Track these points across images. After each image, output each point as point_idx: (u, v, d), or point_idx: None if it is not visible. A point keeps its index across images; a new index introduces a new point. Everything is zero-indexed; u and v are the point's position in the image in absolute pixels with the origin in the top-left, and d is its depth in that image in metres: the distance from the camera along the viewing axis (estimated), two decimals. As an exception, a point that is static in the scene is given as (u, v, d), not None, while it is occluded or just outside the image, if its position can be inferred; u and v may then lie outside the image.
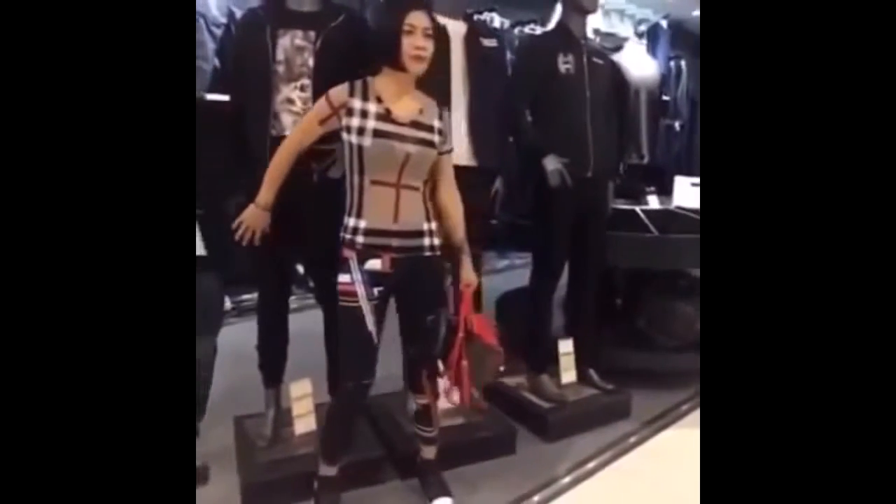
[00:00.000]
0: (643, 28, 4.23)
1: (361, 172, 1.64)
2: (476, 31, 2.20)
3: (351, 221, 1.66)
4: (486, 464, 2.14)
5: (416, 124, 1.66)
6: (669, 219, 2.82)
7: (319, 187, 1.86)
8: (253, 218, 1.75)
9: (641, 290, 3.09)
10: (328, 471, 1.78)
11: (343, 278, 1.66)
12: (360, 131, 1.61)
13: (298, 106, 1.85)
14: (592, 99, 2.37)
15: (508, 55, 2.80)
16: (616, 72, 2.83)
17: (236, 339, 2.20)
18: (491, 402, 2.41)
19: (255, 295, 2.24)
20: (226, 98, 2.11)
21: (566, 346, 2.55)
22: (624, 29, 5.57)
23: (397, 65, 1.63)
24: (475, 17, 2.69)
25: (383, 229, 1.65)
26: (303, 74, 1.85)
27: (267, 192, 1.74)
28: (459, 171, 2.04)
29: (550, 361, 2.53)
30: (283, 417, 2.07)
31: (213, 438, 2.09)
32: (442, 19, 2.11)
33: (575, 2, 2.38)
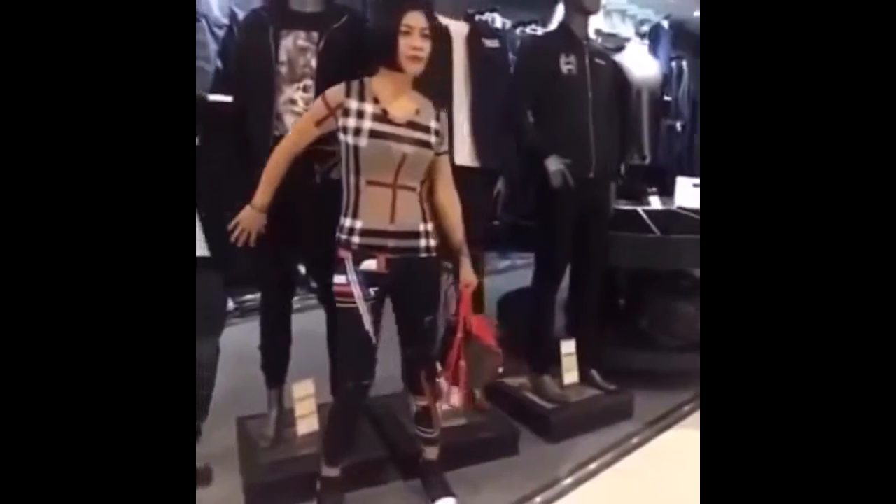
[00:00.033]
0: (645, 28, 4.22)
1: (358, 173, 1.64)
2: (478, 32, 2.20)
3: (347, 222, 1.66)
4: (489, 464, 2.14)
5: (412, 125, 1.66)
6: (671, 219, 2.82)
7: (322, 188, 1.86)
8: (249, 219, 1.75)
9: (643, 290, 3.08)
10: (330, 472, 1.78)
11: (339, 279, 1.66)
12: (357, 132, 1.61)
13: (301, 107, 1.85)
14: (594, 100, 2.37)
15: (510, 56, 2.79)
16: (618, 72, 2.83)
17: (239, 339, 2.20)
18: (493, 403, 2.42)
19: (257, 295, 2.25)
20: (228, 99, 2.12)
21: (568, 347, 2.55)
22: (625, 29, 5.57)
23: (394, 65, 1.63)
24: (476, 17, 2.69)
25: (379, 230, 1.65)
26: (305, 75, 1.85)
27: (263, 194, 1.74)
28: (462, 171, 2.05)
29: (552, 362, 2.53)
30: (286, 418, 2.08)
31: (216, 439, 2.09)
32: (444, 20, 2.11)
33: (577, 2, 2.38)
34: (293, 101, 1.86)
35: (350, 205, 1.66)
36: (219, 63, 3.52)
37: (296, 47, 1.85)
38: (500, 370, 1.95)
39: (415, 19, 1.60)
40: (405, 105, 1.68)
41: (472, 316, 1.86)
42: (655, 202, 3.06)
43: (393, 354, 1.83)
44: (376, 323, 1.68)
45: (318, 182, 1.88)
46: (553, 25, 2.61)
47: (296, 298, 2.14)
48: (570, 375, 2.55)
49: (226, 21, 3.56)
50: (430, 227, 1.73)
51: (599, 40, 3.43)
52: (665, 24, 5.41)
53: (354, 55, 1.84)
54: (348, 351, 1.71)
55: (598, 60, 2.43)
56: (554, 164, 2.26)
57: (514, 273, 4.74)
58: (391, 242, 1.66)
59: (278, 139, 1.80)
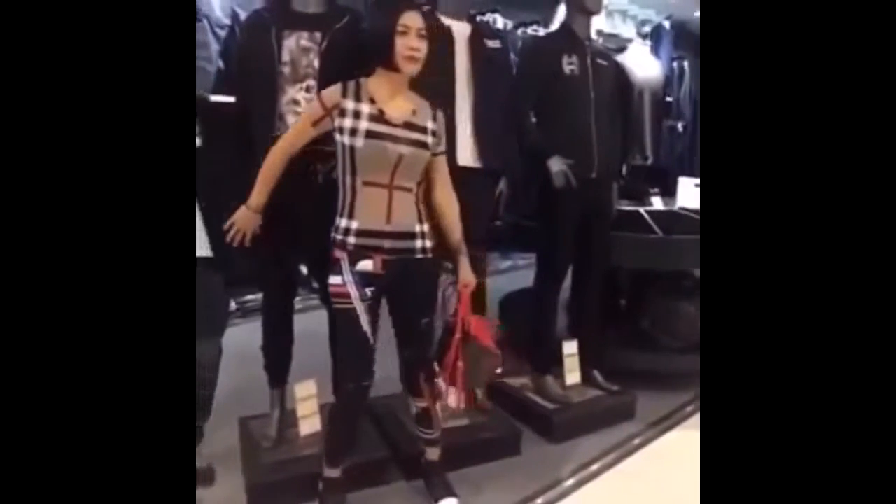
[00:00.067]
0: (647, 29, 4.22)
1: (354, 173, 1.64)
2: (480, 33, 2.20)
3: (343, 222, 1.66)
4: (491, 465, 2.14)
5: (409, 125, 1.66)
6: (673, 220, 2.82)
7: (323, 188, 1.86)
8: (244, 220, 1.75)
9: (645, 290, 3.08)
10: (332, 472, 1.78)
11: (335, 280, 1.65)
12: (353, 132, 1.61)
13: (304, 107, 1.85)
14: (597, 100, 2.37)
15: (512, 56, 2.79)
16: (620, 73, 2.83)
17: (241, 340, 2.20)
18: (495, 403, 2.42)
19: (259, 296, 2.25)
20: (230, 99, 2.11)
21: (570, 348, 2.55)
22: (626, 30, 5.56)
23: (391, 65, 1.62)
24: (478, 18, 2.69)
25: (376, 230, 1.64)
26: (308, 76, 1.85)
27: (259, 194, 1.74)
28: (464, 172, 2.05)
29: (555, 362, 2.53)
30: (288, 418, 2.07)
31: (219, 439, 2.09)
32: (446, 20, 2.12)
33: (579, 3, 2.38)
34: (296, 102, 1.86)
35: (346, 205, 1.66)
36: (220, 63, 3.52)
37: (298, 48, 1.85)
38: (498, 371, 1.95)
39: (411, 19, 1.60)
40: (402, 105, 1.67)
41: (471, 316, 1.86)
42: (657, 203, 3.06)
43: (392, 355, 1.83)
44: (373, 323, 1.68)
45: (321, 182, 1.87)
46: (555, 26, 2.60)
47: (298, 299, 2.13)
48: (573, 376, 2.55)
49: (227, 21, 3.56)
50: (426, 227, 1.73)
51: (601, 41, 3.42)
52: (666, 24, 5.41)
53: (357, 56, 1.84)
54: (347, 352, 1.71)
55: (600, 61, 2.43)
56: (556, 165, 2.26)
57: (515, 273, 4.74)
58: (387, 243, 1.65)
59: (280, 139, 1.81)
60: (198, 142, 1.81)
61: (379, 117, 1.63)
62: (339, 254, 1.66)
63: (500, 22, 4.65)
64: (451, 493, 1.88)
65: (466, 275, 1.83)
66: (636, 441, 2.39)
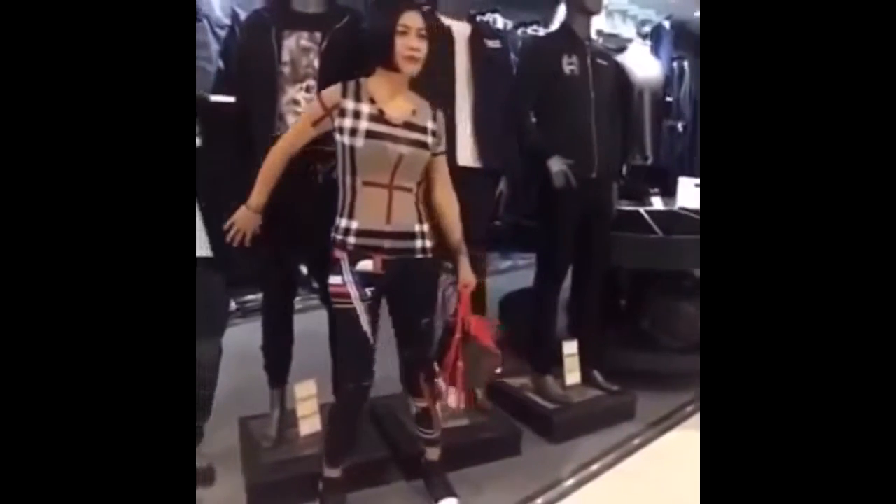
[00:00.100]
0: (647, 29, 4.23)
1: (354, 173, 1.64)
2: (480, 33, 2.20)
3: (343, 222, 1.66)
4: (491, 465, 2.14)
5: (409, 125, 1.66)
6: (673, 220, 2.82)
7: (323, 188, 1.86)
8: (244, 220, 1.75)
9: (645, 291, 3.09)
10: (332, 472, 1.78)
11: (335, 280, 1.65)
12: (353, 132, 1.61)
13: (304, 107, 1.85)
14: (597, 100, 2.37)
15: (512, 56, 2.79)
16: (620, 73, 2.83)
17: (241, 340, 2.20)
18: (495, 404, 2.42)
19: (258, 296, 2.24)
20: (230, 99, 2.12)
21: (570, 348, 2.55)
22: (626, 30, 5.56)
23: (391, 65, 1.62)
24: (478, 18, 2.69)
25: (376, 230, 1.64)
26: (308, 76, 1.85)
27: (259, 195, 1.74)
28: (464, 172, 2.05)
29: (555, 362, 2.53)
30: (288, 418, 2.08)
31: (219, 439, 2.09)
32: (446, 20, 2.12)
33: (579, 3, 2.38)
34: (296, 102, 1.86)
35: (346, 205, 1.66)
36: (220, 63, 3.53)
37: (298, 48, 1.86)
38: (498, 371, 1.95)
39: (411, 19, 1.60)
40: (402, 105, 1.67)
41: (471, 316, 1.86)
42: (657, 203, 3.06)
43: (392, 355, 1.83)
44: (373, 323, 1.68)
45: (321, 182, 1.88)
46: (555, 26, 2.60)
47: (298, 299, 2.14)
48: (573, 376, 2.55)
49: (227, 21, 3.56)
50: (425, 228, 1.73)
51: (601, 41, 3.42)
52: (666, 24, 5.41)
53: (357, 56, 1.84)
54: (347, 351, 1.71)
55: (600, 61, 2.43)
56: (556, 165, 2.26)
57: (515, 273, 4.75)
58: (387, 243, 1.65)
59: (280, 140, 1.80)
60: (198, 142, 1.80)
61: (379, 117, 1.63)
62: (338, 254, 1.66)
63: (499, 22, 4.65)
64: (452, 494, 1.88)
65: (466, 275, 1.83)
66: (636, 441, 2.39)
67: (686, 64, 5.97)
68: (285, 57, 1.85)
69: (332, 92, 1.65)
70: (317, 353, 2.07)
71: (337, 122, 1.63)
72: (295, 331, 2.09)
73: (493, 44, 2.22)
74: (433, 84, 1.81)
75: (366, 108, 1.63)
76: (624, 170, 3.10)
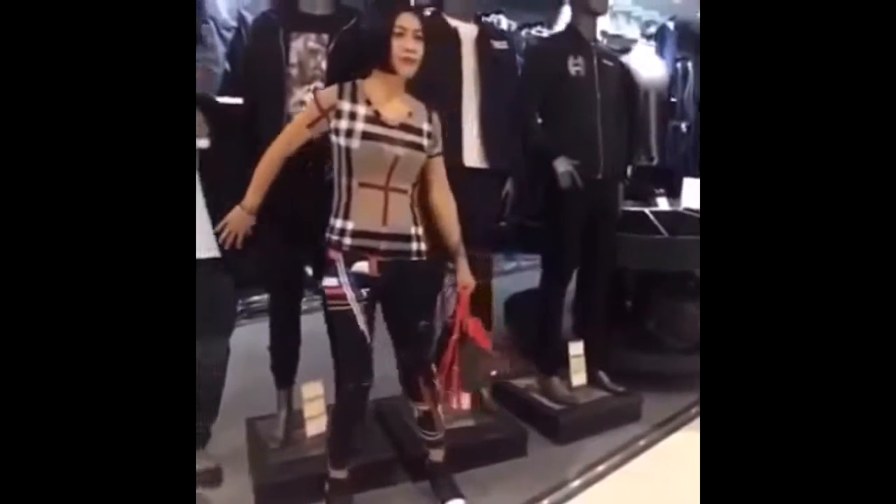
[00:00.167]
0: (652, 30, 4.23)
1: (350, 174, 1.64)
2: (487, 34, 2.21)
3: (338, 223, 1.65)
4: (497, 466, 2.14)
5: (405, 127, 1.66)
6: (678, 220, 2.82)
7: (328, 188, 1.87)
8: (237, 220, 1.74)
9: (651, 291, 3.08)
10: (338, 473, 1.78)
11: (330, 282, 1.65)
12: (349, 133, 1.61)
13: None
14: (603, 101, 2.37)
15: (517, 57, 2.79)
16: (626, 74, 2.83)
17: (248, 340, 2.20)
18: (501, 404, 2.42)
19: (264, 297, 2.24)
20: (236, 101, 2.12)
21: (576, 349, 2.55)
22: (630, 31, 5.56)
23: (387, 67, 1.63)
24: (482, 19, 2.69)
25: (372, 231, 1.64)
26: (316, 77, 1.86)
27: (253, 195, 1.73)
28: (470, 172, 2.05)
29: (560, 363, 2.53)
30: (295, 419, 2.08)
31: (226, 440, 2.10)
32: (453, 22, 2.12)
33: (585, 4, 2.38)
34: (303, 103, 1.86)
35: (341, 206, 1.66)
36: (227, 66, 3.54)
37: (306, 49, 1.86)
38: (493, 373, 1.95)
39: (408, 21, 1.61)
40: (398, 107, 1.68)
41: (469, 318, 1.86)
42: (663, 203, 3.06)
43: (391, 356, 1.83)
44: (369, 324, 1.68)
45: (326, 182, 1.88)
46: (560, 27, 2.61)
47: (305, 300, 2.14)
48: (578, 377, 2.55)
49: (234, 24, 3.57)
50: (420, 230, 1.73)
51: (605, 41, 3.43)
52: (670, 25, 5.41)
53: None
54: (346, 352, 1.70)
55: (605, 62, 2.43)
56: (562, 166, 2.26)
57: (520, 274, 4.75)
58: (383, 245, 1.65)
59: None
60: (206, 143, 1.81)
61: (375, 119, 1.63)
62: (334, 255, 1.66)
63: (504, 23, 4.65)
64: (458, 495, 1.88)
65: (465, 276, 1.83)
66: (642, 442, 2.39)
67: (690, 64, 5.96)
68: (293, 59, 1.86)
69: (329, 93, 1.66)
70: (324, 354, 2.07)
71: (333, 124, 1.64)
72: (302, 331, 2.09)
73: (499, 45, 2.22)
74: (440, 85, 1.81)
75: (362, 110, 1.63)
76: (629, 171, 3.10)
